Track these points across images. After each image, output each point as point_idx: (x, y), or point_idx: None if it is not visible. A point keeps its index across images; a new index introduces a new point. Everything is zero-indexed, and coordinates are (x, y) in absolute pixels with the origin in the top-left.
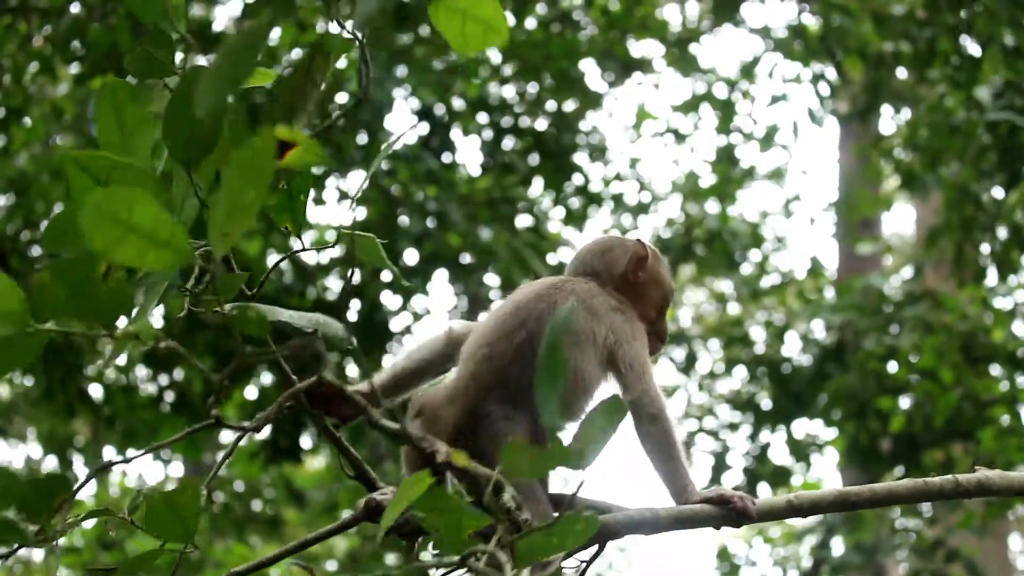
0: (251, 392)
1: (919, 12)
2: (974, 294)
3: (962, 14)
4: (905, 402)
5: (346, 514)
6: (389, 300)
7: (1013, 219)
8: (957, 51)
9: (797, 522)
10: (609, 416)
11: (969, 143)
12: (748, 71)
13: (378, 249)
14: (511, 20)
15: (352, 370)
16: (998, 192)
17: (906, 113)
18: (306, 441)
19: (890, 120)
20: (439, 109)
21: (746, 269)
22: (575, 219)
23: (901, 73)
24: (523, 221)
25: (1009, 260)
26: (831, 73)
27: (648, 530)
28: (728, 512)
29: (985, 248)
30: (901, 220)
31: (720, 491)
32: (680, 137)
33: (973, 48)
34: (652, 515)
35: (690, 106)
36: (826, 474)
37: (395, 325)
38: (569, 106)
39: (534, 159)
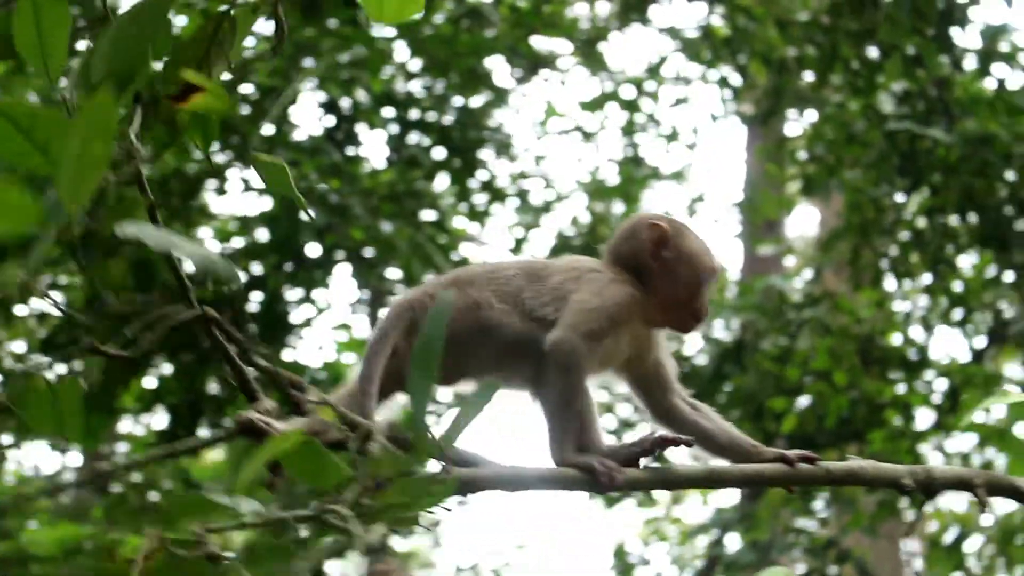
0: (150, 382)
1: (823, 18)
2: (871, 297)
3: (864, 21)
4: (802, 403)
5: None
6: (290, 293)
7: (912, 224)
8: (859, 57)
9: (693, 518)
10: (478, 403)
11: (869, 149)
12: (654, 71)
13: (287, 176)
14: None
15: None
16: (900, 197)
17: (811, 116)
18: (204, 433)
19: (793, 124)
20: (345, 103)
21: None
22: (479, 215)
23: (808, 76)
24: (427, 216)
25: (907, 264)
26: (736, 78)
27: (510, 487)
28: (591, 479)
29: (893, 251)
30: (805, 222)
31: (589, 460)
32: (587, 135)
33: (875, 55)
34: (515, 473)
35: (596, 104)
36: None
37: (295, 317)
38: (476, 102)
39: (439, 154)
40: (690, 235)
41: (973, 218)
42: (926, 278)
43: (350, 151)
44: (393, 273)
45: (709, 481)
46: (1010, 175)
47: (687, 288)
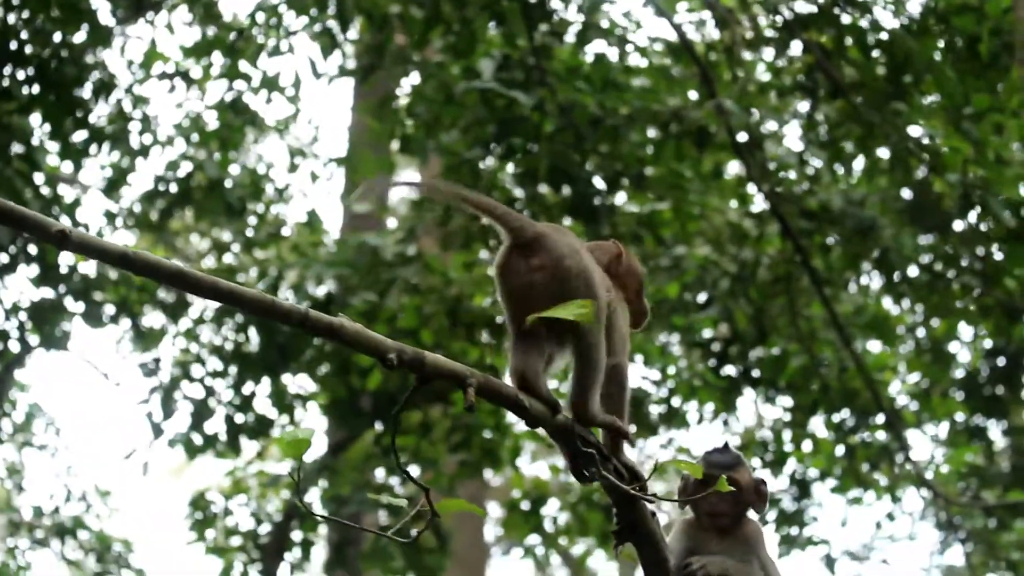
0: None
1: None
2: (462, 260)
3: None
4: None
5: None
6: None
7: (507, 191)
8: (461, 19)
9: (272, 469)
10: None
11: (466, 111)
12: (254, 20)
13: None
14: None
15: None
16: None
17: (414, 77)
18: None
19: (394, 83)
20: None
21: (252, 220)
22: (74, 153)
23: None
24: (17, 150)
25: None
26: (339, 35)
27: None
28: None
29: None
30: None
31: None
32: (190, 81)
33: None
34: None
35: (201, 50)
36: (311, 426)
37: None
38: (77, 38)
39: (35, 89)
40: (632, 255)
41: (567, 190)
42: None
43: None
44: None
45: (176, 280)
46: (603, 148)
47: (634, 292)
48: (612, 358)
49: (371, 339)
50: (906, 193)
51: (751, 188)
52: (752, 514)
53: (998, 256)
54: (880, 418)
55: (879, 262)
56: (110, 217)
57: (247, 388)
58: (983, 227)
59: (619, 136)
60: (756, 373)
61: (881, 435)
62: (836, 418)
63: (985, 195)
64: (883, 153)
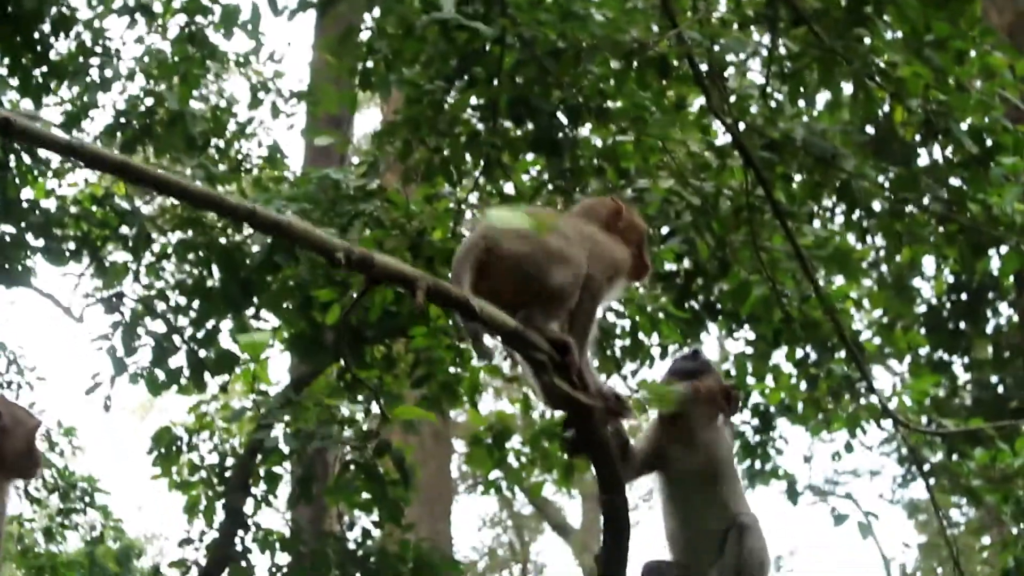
0: None
1: None
2: (424, 193)
3: None
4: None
5: None
6: None
7: (469, 124)
8: None
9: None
10: None
11: (427, 45)
12: None
13: None
14: None
15: None
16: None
17: (376, 13)
18: None
19: (356, 16)
20: None
21: (213, 154)
22: (34, 89)
23: None
24: None
25: (458, 162)
26: None
27: None
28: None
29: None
30: (373, 119)
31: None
32: (151, 15)
33: None
34: None
35: None
36: (274, 363)
37: None
38: None
39: None
40: (633, 210)
41: (530, 125)
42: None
43: None
44: None
45: (120, 170)
46: (565, 79)
47: (636, 246)
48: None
49: (319, 237)
50: (870, 129)
51: (715, 122)
52: (721, 419)
53: (959, 183)
54: (843, 352)
55: (840, 193)
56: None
57: (210, 323)
58: (945, 153)
59: (581, 65)
60: (719, 307)
61: (843, 368)
62: (799, 353)
63: (947, 120)
64: (846, 85)
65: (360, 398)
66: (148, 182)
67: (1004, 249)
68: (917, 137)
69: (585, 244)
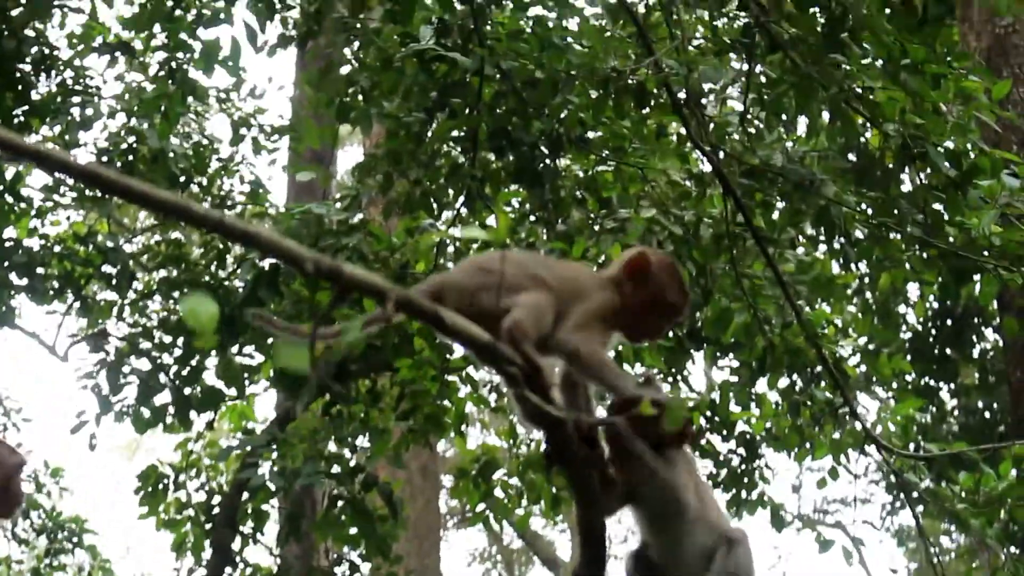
0: None
1: None
2: (406, 226)
3: None
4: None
5: None
6: None
7: (450, 156)
8: None
9: (224, 442)
10: None
11: (405, 76)
12: None
13: None
14: None
15: None
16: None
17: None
18: None
19: (337, 51)
20: None
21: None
22: (16, 129)
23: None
24: None
25: (439, 195)
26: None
27: None
28: None
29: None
30: (356, 155)
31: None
32: (131, 52)
33: None
34: None
35: (141, 21)
36: (261, 398)
37: None
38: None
39: None
40: (663, 271)
41: (511, 156)
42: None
43: None
44: None
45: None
46: (544, 109)
47: (641, 308)
48: (567, 337)
49: (288, 248)
50: (852, 156)
51: (694, 150)
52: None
53: (938, 207)
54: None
55: (819, 219)
56: (51, 190)
57: (195, 360)
58: (922, 177)
59: (559, 95)
60: (704, 335)
61: (826, 394)
62: (784, 382)
63: (924, 144)
64: (822, 110)
65: (347, 431)
66: (116, 191)
67: (984, 274)
68: (896, 162)
69: (543, 272)
